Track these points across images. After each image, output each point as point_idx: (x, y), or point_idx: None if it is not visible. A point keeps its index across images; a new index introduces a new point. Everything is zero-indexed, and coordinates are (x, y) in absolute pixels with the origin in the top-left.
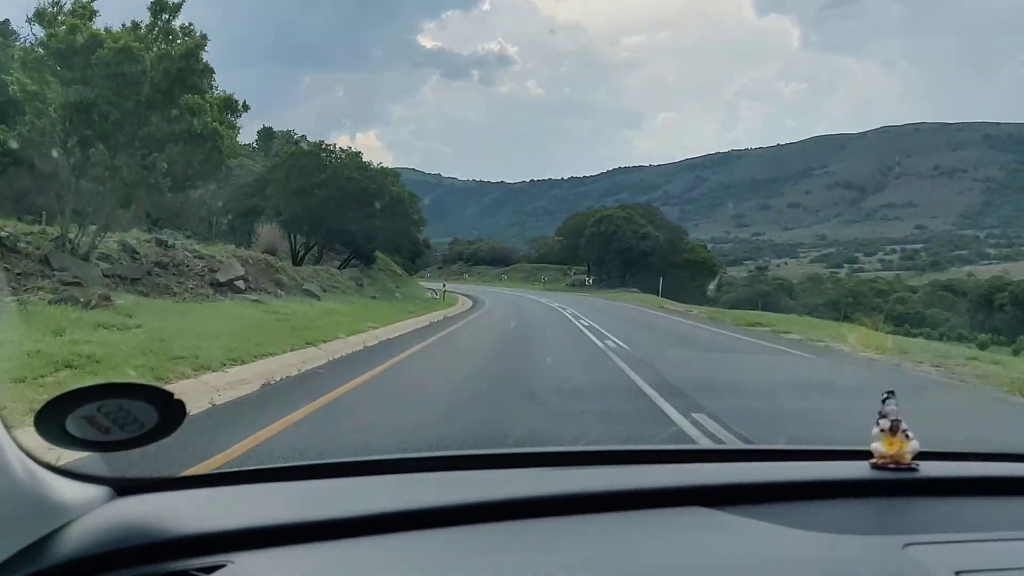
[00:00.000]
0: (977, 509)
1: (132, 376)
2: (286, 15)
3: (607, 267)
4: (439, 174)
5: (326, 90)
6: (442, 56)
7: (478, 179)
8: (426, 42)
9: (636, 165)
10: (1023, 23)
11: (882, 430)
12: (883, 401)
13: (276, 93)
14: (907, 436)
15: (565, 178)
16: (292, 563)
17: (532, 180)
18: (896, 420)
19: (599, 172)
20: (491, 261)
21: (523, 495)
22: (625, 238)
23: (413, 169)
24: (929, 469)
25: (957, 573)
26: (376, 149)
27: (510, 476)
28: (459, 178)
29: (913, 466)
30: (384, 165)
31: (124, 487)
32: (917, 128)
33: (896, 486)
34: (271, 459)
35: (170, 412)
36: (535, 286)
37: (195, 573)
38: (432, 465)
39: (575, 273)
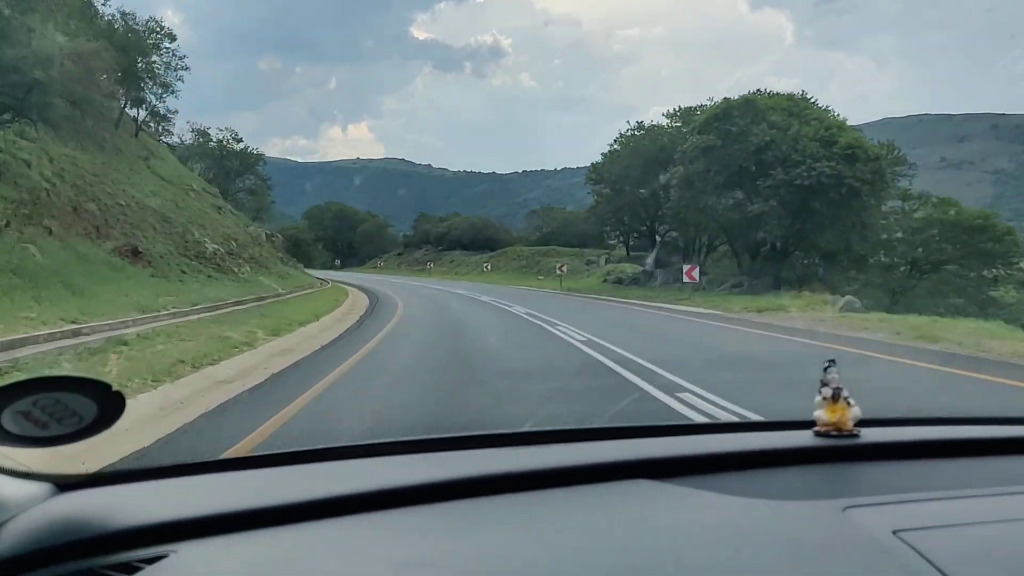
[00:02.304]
0: (915, 472)
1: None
2: (278, 4)
3: (736, 245)
4: (429, 164)
5: (318, 81)
6: (435, 48)
7: (468, 170)
8: (419, 34)
9: None
10: (1018, 15)
11: (824, 398)
12: (824, 370)
13: (268, 84)
14: (848, 403)
15: (559, 168)
16: (237, 549)
17: (524, 171)
18: (838, 388)
19: (592, 162)
20: (471, 245)
21: (469, 474)
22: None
23: (403, 159)
24: (870, 435)
25: (895, 532)
26: (368, 141)
27: (458, 457)
28: (449, 168)
29: (855, 432)
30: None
31: (65, 483)
32: (920, 120)
33: (838, 452)
34: None
35: (109, 405)
36: (542, 284)
37: (138, 564)
38: (379, 451)
39: (616, 258)
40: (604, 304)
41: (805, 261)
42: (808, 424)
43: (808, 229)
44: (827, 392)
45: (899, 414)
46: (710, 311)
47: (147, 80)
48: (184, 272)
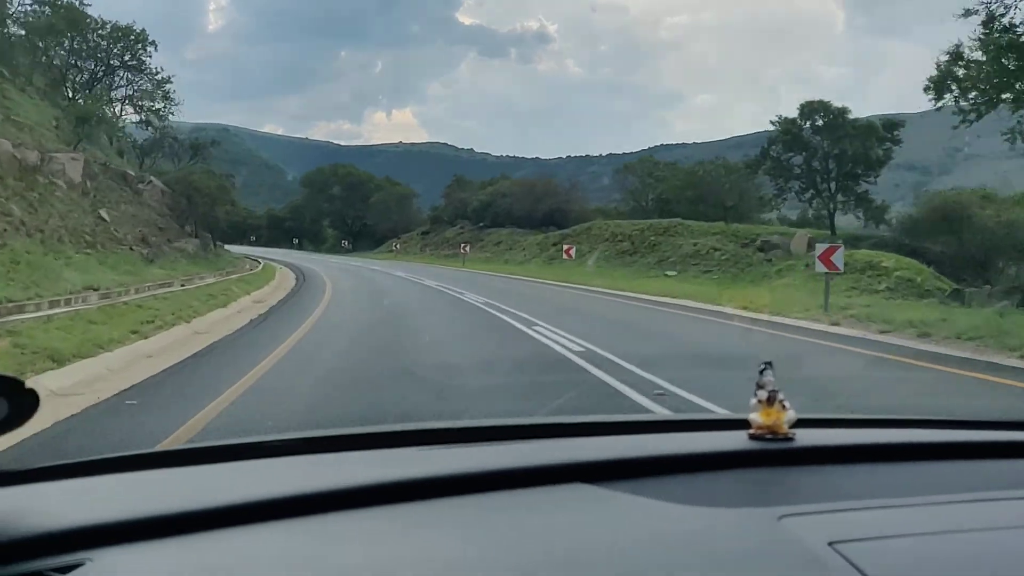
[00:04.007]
0: (852, 477)
1: None
2: None
3: None
4: (472, 149)
5: (363, 65)
6: (480, 33)
7: (511, 155)
8: (464, 19)
9: (679, 143)
10: None
11: (759, 401)
12: (760, 372)
13: (313, 67)
14: (784, 406)
15: (604, 154)
16: (159, 557)
17: (568, 156)
18: (773, 391)
19: (639, 149)
20: (527, 218)
21: (402, 477)
22: None
23: (446, 144)
24: (805, 438)
25: (831, 543)
26: (411, 126)
27: (394, 456)
28: (492, 153)
29: (789, 435)
30: None
31: None
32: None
33: (772, 456)
34: None
35: (21, 402)
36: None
37: (48, 574)
38: (304, 447)
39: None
40: None
41: None
42: (743, 423)
43: None
44: (762, 395)
45: (834, 415)
46: None
47: None
48: None
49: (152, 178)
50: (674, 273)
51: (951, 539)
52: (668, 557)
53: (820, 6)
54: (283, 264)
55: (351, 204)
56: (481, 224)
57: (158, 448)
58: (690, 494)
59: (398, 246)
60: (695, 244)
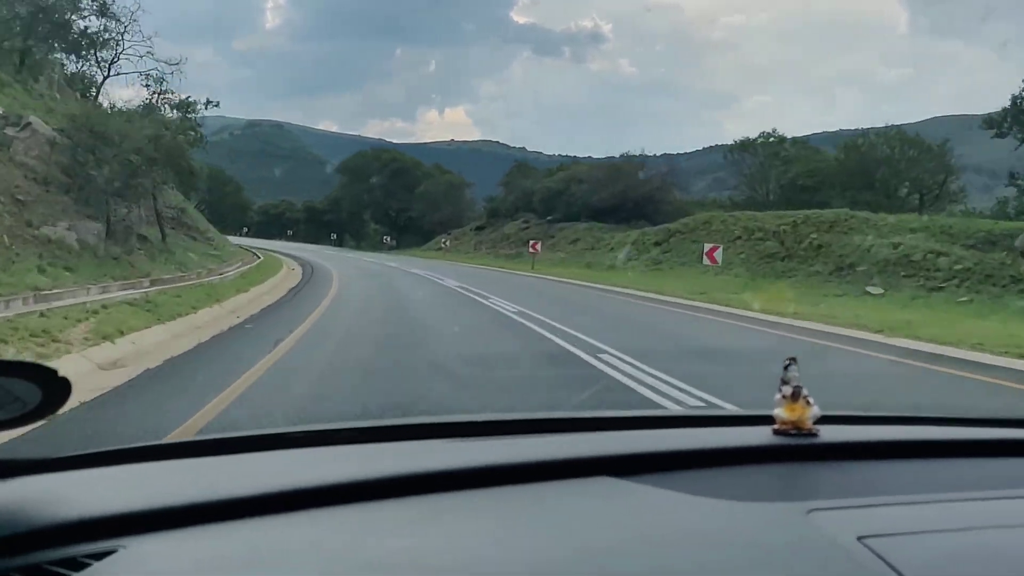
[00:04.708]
0: (878, 473)
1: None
2: None
3: None
4: (524, 147)
5: (416, 64)
6: (534, 32)
7: (564, 153)
8: (519, 17)
9: (733, 141)
10: None
11: (784, 396)
12: (785, 368)
13: (368, 65)
14: (808, 402)
15: (658, 154)
16: (191, 545)
17: (621, 155)
18: (798, 386)
19: (693, 149)
20: (610, 211)
21: (429, 468)
22: None
23: (498, 142)
24: (830, 434)
25: (860, 538)
26: (464, 125)
27: (414, 448)
28: (544, 152)
29: (814, 431)
30: None
31: (3, 470)
32: None
33: (797, 451)
34: None
35: (54, 390)
36: None
37: (84, 560)
38: (336, 438)
39: None
40: None
41: None
42: (767, 420)
43: None
44: (787, 390)
45: (858, 412)
46: None
47: None
48: None
49: (32, 119)
50: (879, 291)
51: (979, 535)
52: (696, 549)
53: (882, 6)
54: (291, 261)
55: (394, 194)
56: (550, 217)
57: (189, 438)
58: (717, 488)
59: (448, 243)
60: (895, 245)
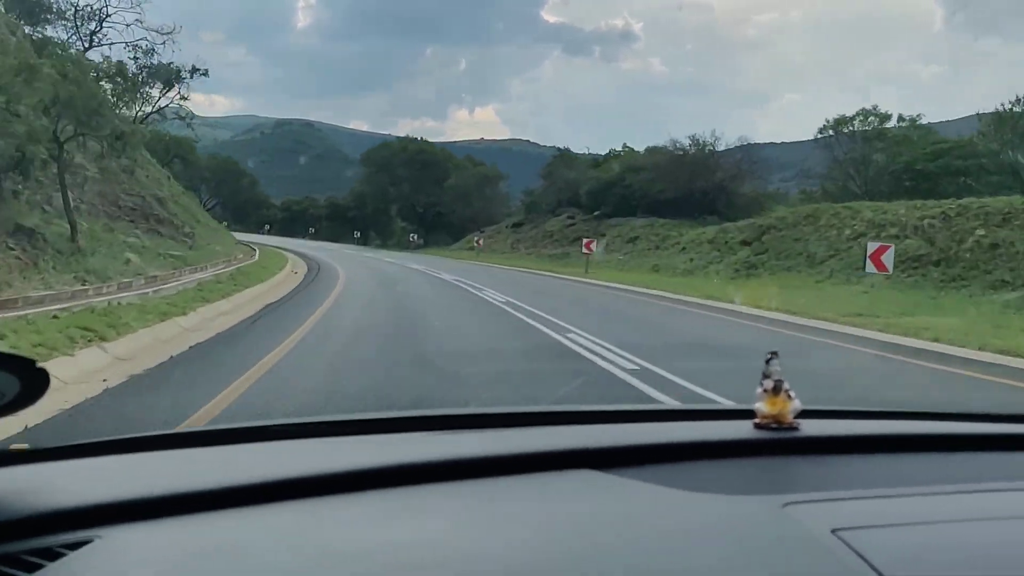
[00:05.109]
0: (855, 467)
1: None
2: None
3: None
4: (555, 146)
5: (447, 63)
6: (564, 31)
7: (593, 151)
8: (549, 17)
9: (768, 141)
10: None
11: (765, 390)
12: (767, 362)
13: (398, 64)
14: (789, 396)
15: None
16: (167, 535)
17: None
18: (779, 380)
19: (725, 148)
20: (674, 204)
21: (410, 460)
22: None
23: (528, 141)
24: (810, 428)
25: (834, 531)
26: (494, 124)
27: (395, 441)
28: (573, 150)
29: (794, 425)
30: None
31: None
32: None
33: (777, 445)
34: None
35: (32, 381)
36: None
37: (59, 550)
38: (317, 431)
39: None
40: None
41: None
42: (748, 414)
43: None
44: (768, 384)
45: (838, 406)
46: None
47: None
48: None
49: None
50: None
51: (953, 528)
52: (673, 542)
53: (917, 4)
54: (298, 262)
55: (422, 188)
56: (597, 212)
57: (172, 431)
58: (695, 481)
59: (481, 241)
60: None
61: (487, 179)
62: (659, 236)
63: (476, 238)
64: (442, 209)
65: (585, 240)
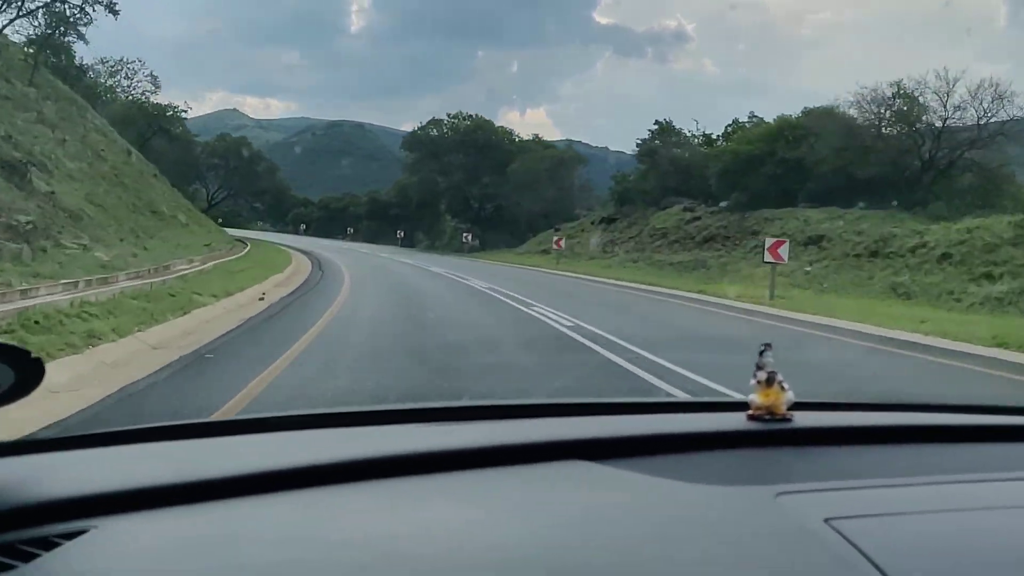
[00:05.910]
0: (847, 458)
1: None
2: None
3: None
4: (606, 147)
5: (499, 65)
6: (616, 32)
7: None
8: (601, 18)
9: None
10: None
11: (759, 382)
12: (760, 354)
13: (451, 66)
14: (783, 388)
15: None
16: (163, 525)
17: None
18: (772, 372)
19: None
20: (842, 188)
21: (404, 451)
22: None
23: (580, 142)
24: (803, 419)
25: (826, 520)
26: (545, 125)
27: (389, 432)
28: (626, 152)
29: (787, 416)
30: None
31: None
32: None
33: (770, 436)
34: None
35: (27, 371)
36: None
37: (55, 540)
38: (312, 422)
39: None
40: None
41: None
42: (742, 406)
43: None
44: (761, 376)
45: (831, 399)
46: None
47: None
48: None
49: None
50: None
51: (945, 517)
52: (665, 532)
53: (981, 1)
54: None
55: (477, 176)
56: (726, 202)
57: (169, 422)
58: (688, 472)
59: (562, 242)
60: None
61: (562, 163)
62: (868, 236)
63: (556, 238)
64: (503, 202)
65: (773, 242)
